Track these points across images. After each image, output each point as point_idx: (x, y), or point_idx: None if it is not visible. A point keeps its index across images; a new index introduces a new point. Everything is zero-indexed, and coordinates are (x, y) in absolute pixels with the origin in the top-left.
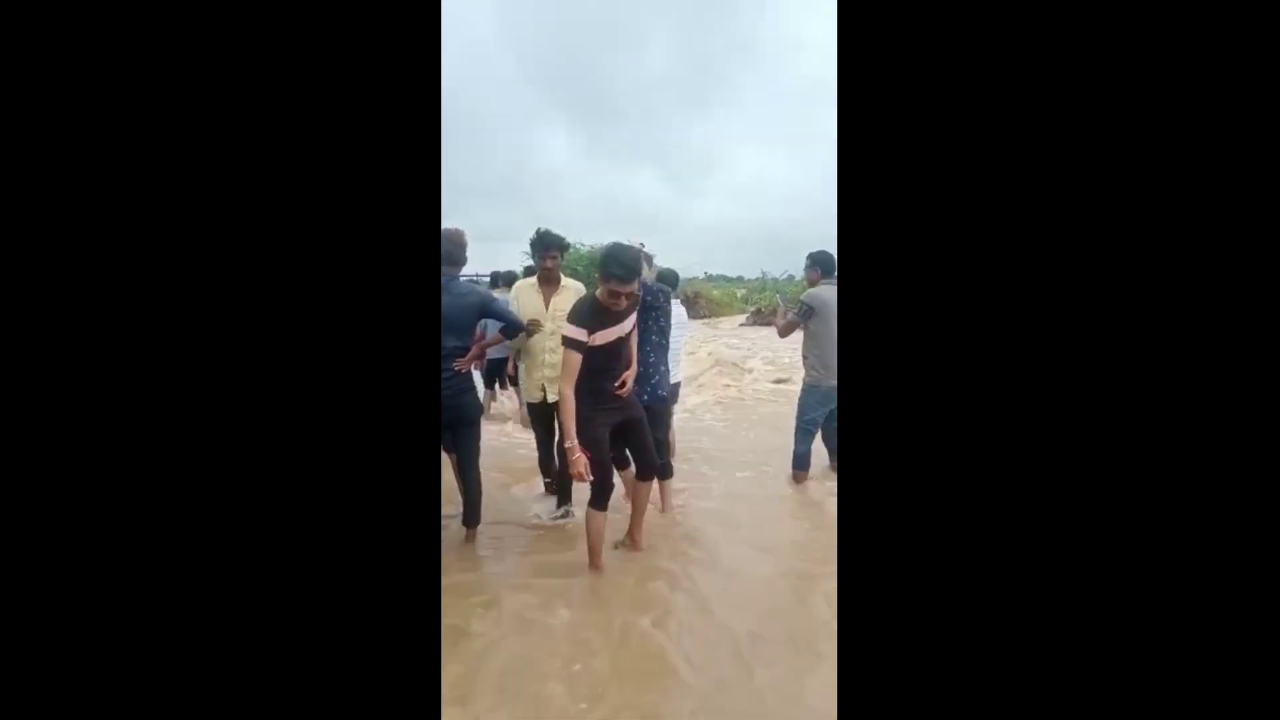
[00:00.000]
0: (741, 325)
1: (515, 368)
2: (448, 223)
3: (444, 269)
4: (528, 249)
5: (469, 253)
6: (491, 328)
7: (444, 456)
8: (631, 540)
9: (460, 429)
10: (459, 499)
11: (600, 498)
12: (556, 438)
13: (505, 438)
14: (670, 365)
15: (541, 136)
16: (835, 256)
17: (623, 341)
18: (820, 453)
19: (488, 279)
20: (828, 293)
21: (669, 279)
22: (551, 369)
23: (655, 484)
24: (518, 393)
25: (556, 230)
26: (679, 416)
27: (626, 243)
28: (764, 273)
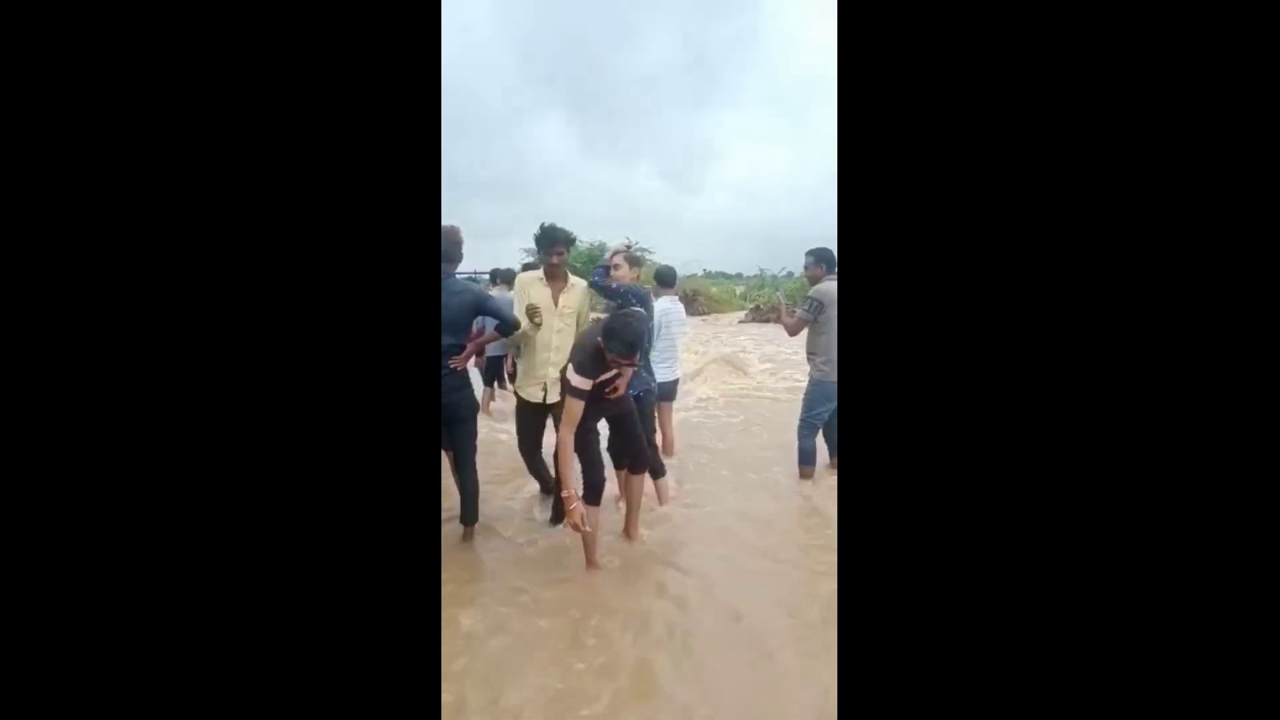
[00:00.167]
0: (740, 322)
1: (514, 364)
2: (445, 220)
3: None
4: (527, 246)
5: (465, 250)
6: (490, 325)
7: (441, 454)
8: (627, 533)
9: (456, 427)
10: (456, 495)
11: (594, 494)
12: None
13: (506, 435)
14: (669, 362)
15: (539, 133)
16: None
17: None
18: (820, 450)
19: (486, 276)
20: (834, 288)
21: (667, 276)
22: (555, 368)
23: (647, 480)
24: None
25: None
26: (679, 414)
27: (627, 242)
28: (762, 270)
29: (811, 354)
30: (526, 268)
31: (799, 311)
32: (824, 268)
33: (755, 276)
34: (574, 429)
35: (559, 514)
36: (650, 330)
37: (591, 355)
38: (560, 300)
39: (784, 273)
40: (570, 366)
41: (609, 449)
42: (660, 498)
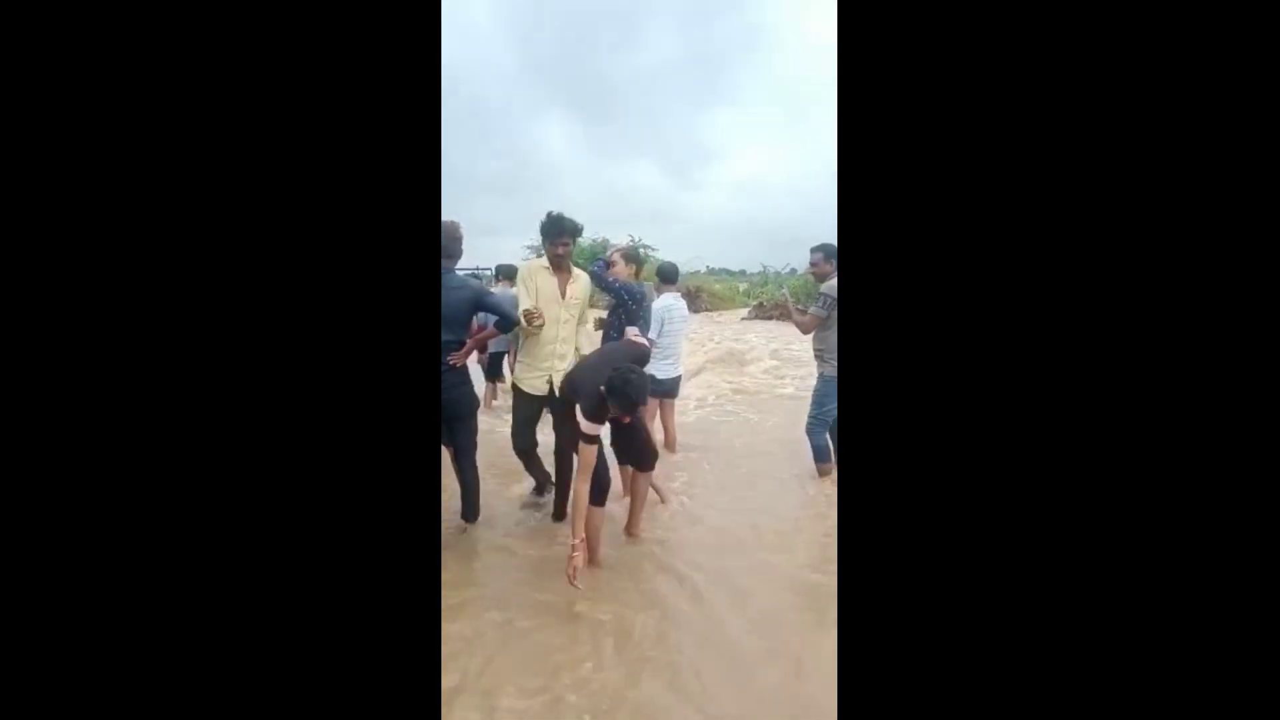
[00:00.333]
0: (743, 319)
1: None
2: (447, 216)
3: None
4: (527, 243)
5: (465, 246)
6: (492, 322)
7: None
8: (630, 531)
9: (456, 424)
10: (456, 491)
11: (598, 494)
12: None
13: (508, 431)
14: (671, 359)
15: (541, 129)
16: None
17: None
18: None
19: (488, 272)
20: None
21: (669, 273)
22: (561, 360)
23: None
24: None
25: None
26: (681, 411)
27: (632, 242)
28: (765, 266)
29: (820, 350)
30: (498, 268)
31: (812, 309)
32: (833, 264)
33: (758, 273)
34: (590, 476)
35: (561, 511)
36: (646, 322)
37: (599, 402)
38: (567, 291)
39: (787, 269)
40: (579, 412)
41: (613, 447)
42: (662, 497)
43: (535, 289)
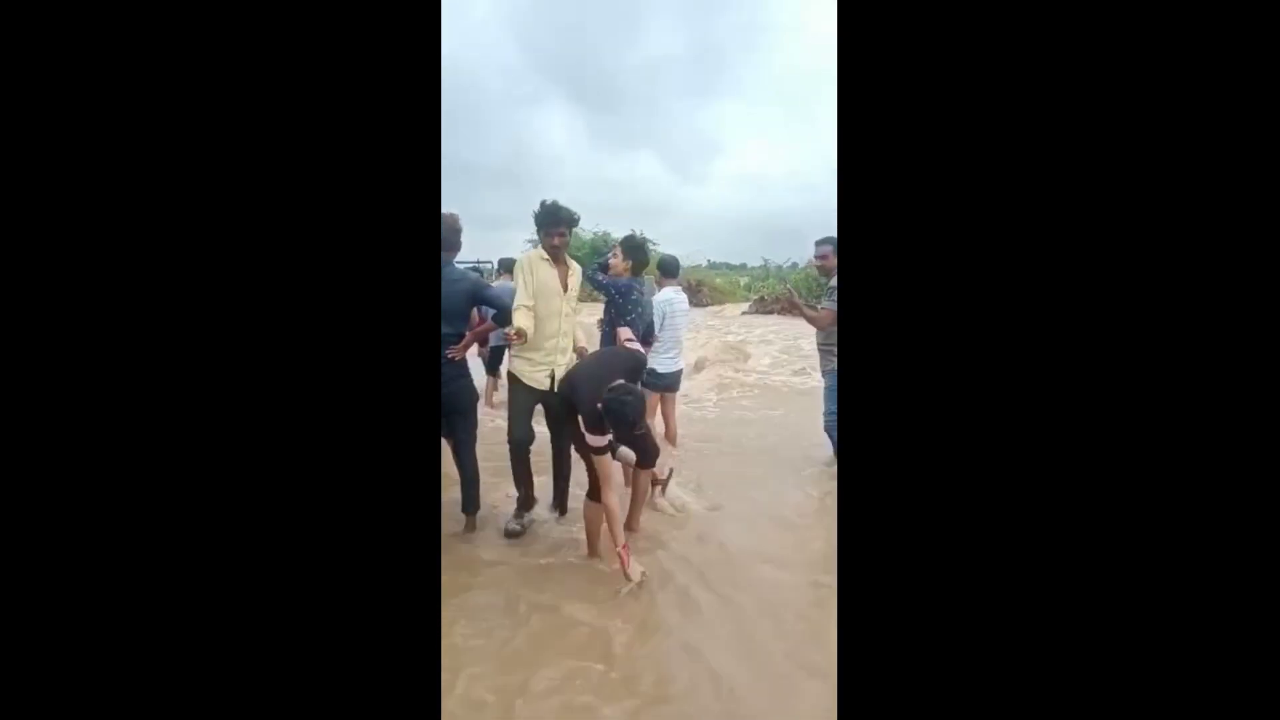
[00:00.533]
0: (744, 313)
1: None
2: (447, 208)
3: None
4: (529, 237)
5: (466, 239)
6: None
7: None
8: (630, 526)
9: (455, 417)
10: (456, 485)
11: (597, 490)
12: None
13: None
14: (673, 353)
15: (541, 121)
16: None
17: None
18: (821, 443)
19: (490, 265)
20: None
21: (670, 266)
22: (563, 354)
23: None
24: None
25: None
26: (697, 405)
27: (635, 233)
28: (766, 260)
29: (830, 346)
30: (501, 262)
31: (825, 304)
32: None
33: (759, 267)
34: (613, 486)
35: (563, 504)
36: (645, 315)
37: (598, 415)
38: (568, 283)
39: (788, 264)
40: (581, 425)
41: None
42: (662, 488)
43: (536, 282)
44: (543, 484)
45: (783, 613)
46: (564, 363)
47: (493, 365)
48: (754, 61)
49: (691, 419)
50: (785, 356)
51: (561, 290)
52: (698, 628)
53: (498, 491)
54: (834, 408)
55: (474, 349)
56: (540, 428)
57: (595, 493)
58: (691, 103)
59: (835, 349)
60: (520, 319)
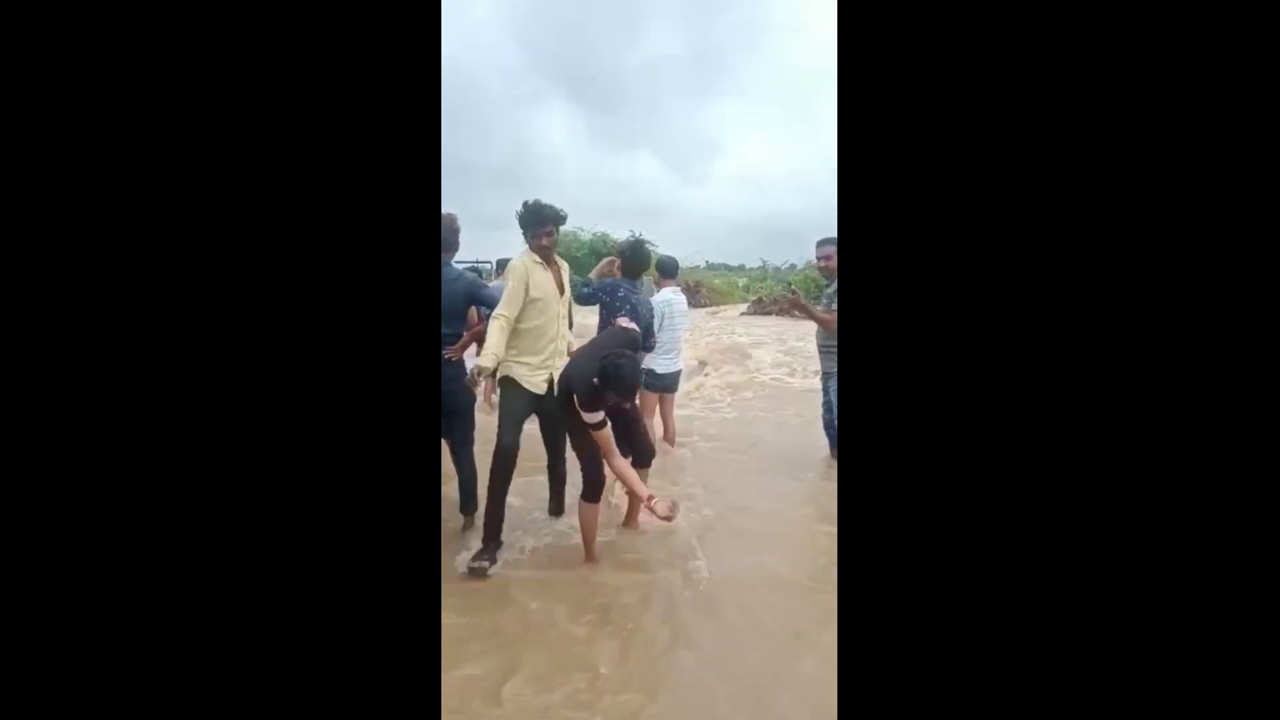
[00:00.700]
0: (743, 314)
1: None
2: (446, 209)
3: None
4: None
5: (465, 239)
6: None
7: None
8: (629, 523)
9: (453, 417)
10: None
11: (593, 492)
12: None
13: None
14: (672, 354)
15: (541, 121)
16: None
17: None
18: (821, 443)
19: (489, 266)
20: None
21: (669, 267)
22: (560, 357)
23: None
24: None
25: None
26: (681, 406)
27: (638, 236)
28: (764, 261)
29: (831, 346)
30: (500, 262)
31: (827, 304)
32: None
33: (758, 269)
34: (618, 453)
35: (559, 505)
36: (650, 325)
37: (589, 391)
38: (564, 284)
39: (786, 265)
40: (576, 404)
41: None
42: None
43: (534, 288)
44: (542, 485)
45: (780, 623)
46: (561, 365)
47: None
48: (754, 61)
49: (692, 420)
50: (787, 358)
51: (559, 293)
52: (693, 637)
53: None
54: (834, 407)
55: (471, 349)
56: (531, 427)
57: (590, 494)
58: (691, 103)
59: (834, 349)
60: (495, 333)
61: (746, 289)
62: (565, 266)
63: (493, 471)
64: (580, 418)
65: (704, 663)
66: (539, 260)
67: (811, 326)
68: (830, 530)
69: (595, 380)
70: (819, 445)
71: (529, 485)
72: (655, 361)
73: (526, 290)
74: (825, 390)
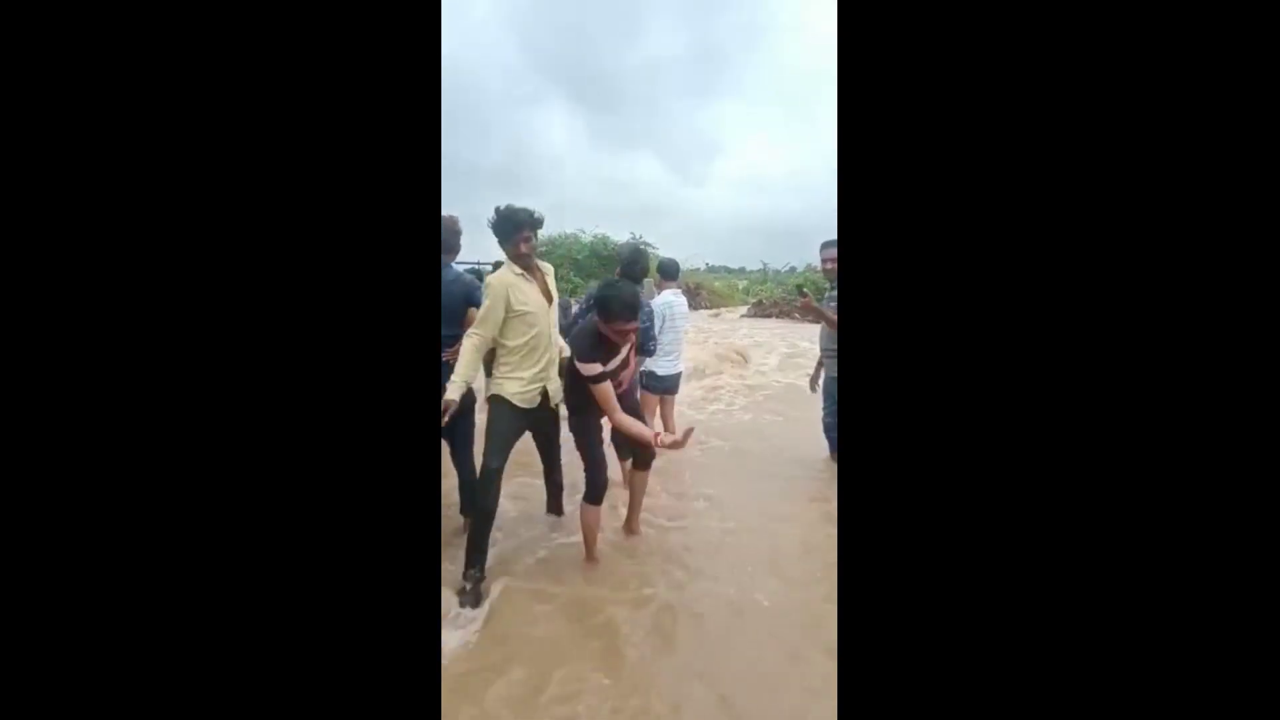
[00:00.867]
0: (743, 316)
1: None
2: (447, 209)
3: None
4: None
5: (465, 240)
6: None
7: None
8: (629, 527)
9: (454, 417)
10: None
11: (596, 494)
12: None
13: None
14: (673, 356)
15: (542, 121)
16: None
17: (624, 361)
18: (821, 444)
19: (488, 268)
20: None
21: (670, 269)
22: (554, 366)
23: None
24: None
25: (557, 217)
26: (680, 409)
27: (632, 240)
28: (765, 264)
29: (831, 349)
30: None
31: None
32: None
33: (758, 271)
34: (619, 408)
35: (557, 505)
36: (649, 328)
37: (590, 338)
38: (553, 292)
39: (787, 268)
40: (575, 360)
41: (613, 442)
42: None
43: (516, 302)
44: (539, 489)
45: (781, 625)
46: (555, 375)
47: (489, 367)
48: (754, 62)
49: (693, 419)
50: (788, 360)
51: (544, 302)
52: (694, 640)
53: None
54: (833, 409)
55: None
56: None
57: (593, 495)
58: (691, 103)
59: (835, 351)
60: (468, 353)
61: (747, 291)
62: (549, 270)
63: (479, 493)
64: (580, 374)
65: (705, 665)
66: (520, 271)
67: (813, 330)
68: (831, 532)
69: (593, 317)
70: (820, 447)
71: (527, 489)
72: (656, 364)
73: (508, 307)
74: (828, 394)
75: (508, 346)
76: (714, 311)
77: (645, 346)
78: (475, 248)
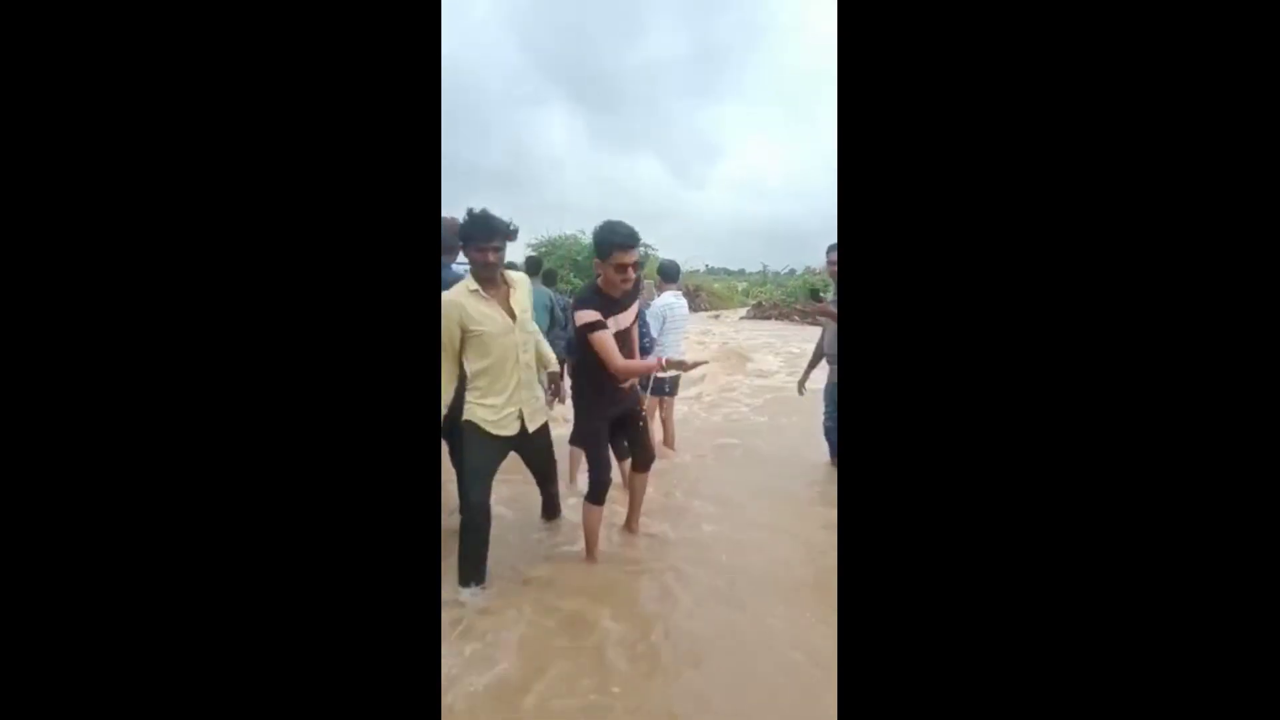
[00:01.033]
0: (742, 319)
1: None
2: (447, 210)
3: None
4: (530, 240)
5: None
6: None
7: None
8: (629, 527)
9: (455, 417)
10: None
11: (598, 492)
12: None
13: None
14: (672, 356)
15: (543, 122)
16: None
17: (626, 333)
18: (821, 448)
19: None
20: None
21: (670, 271)
22: (527, 390)
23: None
24: None
25: (556, 218)
26: (679, 410)
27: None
28: (764, 266)
29: (831, 353)
30: (528, 260)
31: None
32: None
33: (758, 273)
34: (619, 356)
35: (553, 508)
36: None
37: (591, 292)
38: (516, 310)
39: (786, 270)
40: (574, 310)
41: (612, 443)
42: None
43: (470, 322)
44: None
45: (782, 627)
46: (531, 397)
47: None
48: (754, 62)
49: (692, 422)
50: (787, 362)
51: (509, 320)
52: (693, 642)
53: (494, 493)
54: (834, 412)
55: None
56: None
57: (595, 495)
58: (692, 103)
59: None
60: (444, 382)
61: (746, 293)
62: (519, 282)
63: (463, 536)
64: (577, 322)
65: (706, 668)
66: (474, 288)
67: (812, 332)
68: (831, 535)
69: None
70: (820, 450)
71: (522, 496)
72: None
73: (462, 328)
74: (829, 397)
75: (472, 370)
76: (714, 313)
77: (643, 346)
78: None
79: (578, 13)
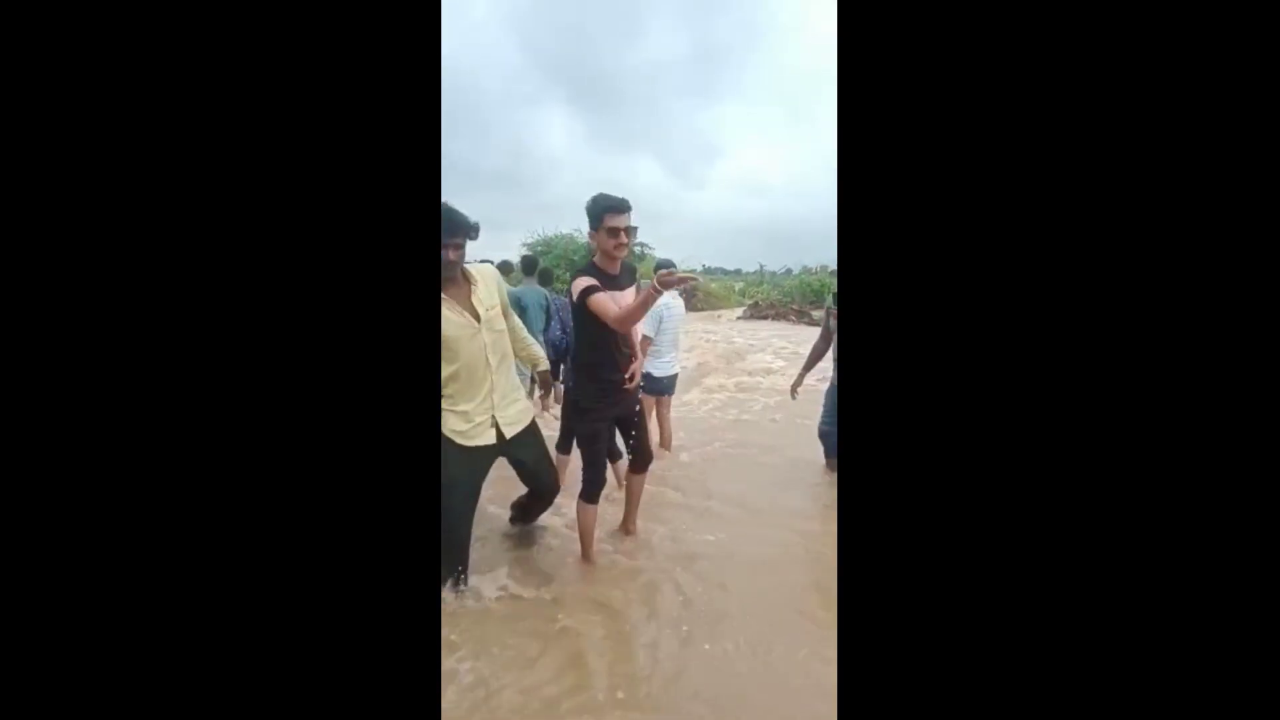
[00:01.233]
0: (739, 318)
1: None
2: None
3: None
4: (528, 239)
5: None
6: None
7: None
8: (625, 528)
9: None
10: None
11: (593, 491)
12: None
13: None
14: (669, 356)
15: (542, 122)
16: None
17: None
18: (818, 450)
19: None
20: None
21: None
22: (502, 397)
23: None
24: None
25: (555, 218)
26: (678, 412)
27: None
28: (761, 266)
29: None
30: (524, 259)
31: None
32: None
33: (754, 273)
34: (618, 312)
35: (529, 511)
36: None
37: (588, 269)
38: (480, 309)
39: (783, 270)
40: (572, 282)
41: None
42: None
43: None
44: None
45: (781, 627)
46: (509, 402)
47: None
48: (754, 62)
49: (691, 423)
50: (785, 363)
51: (472, 322)
52: (693, 643)
53: (492, 492)
54: (831, 416)
55: None
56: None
57: (589, 494)
58: (692, 104)
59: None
60: None
61: (742, 293)
62: (485, 277)
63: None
64: (575, 296)
65: (705, 668)
66: None
67: (810, 333)
68: (829, 536)
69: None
70: (816, 451)
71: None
72: (652, 365)
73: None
74: (827, 400)
75: (442, 377)
76: (715, 313)
77: (643, 345)
78: (473, 247)
79: (578, 13)
